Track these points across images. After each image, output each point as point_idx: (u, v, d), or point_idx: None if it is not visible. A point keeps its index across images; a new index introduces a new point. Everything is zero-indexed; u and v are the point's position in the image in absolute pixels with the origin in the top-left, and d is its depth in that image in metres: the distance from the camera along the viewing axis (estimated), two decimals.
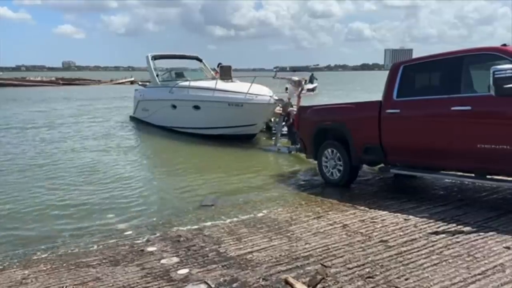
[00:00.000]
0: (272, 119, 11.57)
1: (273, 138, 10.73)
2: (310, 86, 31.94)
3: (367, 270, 3.11)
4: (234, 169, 7.98)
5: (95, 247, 4.01)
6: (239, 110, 10.35)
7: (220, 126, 10.96)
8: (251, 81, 10.45)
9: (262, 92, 10.31)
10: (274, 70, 13.52)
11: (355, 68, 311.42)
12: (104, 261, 3.59)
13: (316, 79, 33.85)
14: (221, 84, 11.11)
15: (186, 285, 3.02)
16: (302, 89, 10.41)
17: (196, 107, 11.25)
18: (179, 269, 3.32)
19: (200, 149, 10.29)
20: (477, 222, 4.08)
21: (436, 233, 3.84)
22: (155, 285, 3.06)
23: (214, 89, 10.83)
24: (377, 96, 5.75)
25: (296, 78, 10.44)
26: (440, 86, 5.04)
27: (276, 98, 10.30)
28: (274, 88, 10.80)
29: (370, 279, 2.96)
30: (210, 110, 10.89)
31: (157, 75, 14.07)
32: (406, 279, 2.94)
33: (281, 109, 10.61)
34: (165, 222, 4.76)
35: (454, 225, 4.04)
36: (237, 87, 10.99)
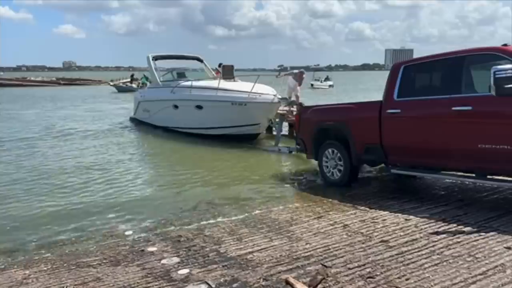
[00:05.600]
0: (272, 120, 11.54)
1: (275, 131, 10.69)
2: (330, 82, 43.83)
3: (367, 270, 3.11)
4: (235, 169, 7.99)
5: (96, 247, 4.02)
6: (242, 109, 10.29)
7: (223, 126, 10.90)
8: (254, 81, 10.43)
9: (265, 91, 10.27)
10: (278, 68, 13.55)
11: (355, 68, 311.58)
12: (104, 261, 3.59)
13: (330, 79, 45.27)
14: (224, 84, 11.02)
15: (186, 285, 3.02)
16: (300, 84, 10.41)
17: (199, 107, 11.19)
18: (180, 269, 3.32)
19: (201, 149, 10.29)
20: (478, 222, 4.08)
21: (437, 233, 3.84)
22: (156, 285, 3.06)
23: (217, 89, 10.76)
24: None
25: (296, 71, 10.43)
26: (440, 86, 5.03)
27: (280, 97, 10.26)
28: (278, 87, 10.78)
29: (371, 279, 2.96)
30: (213, 110, 10.84)
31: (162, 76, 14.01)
32: (406, 279, 2.93)
33: (282, 108, 10.61)
34: (166, 222, 4.76)
35: (454, 225, 4.04)
36: (240, 86, 10.94)
